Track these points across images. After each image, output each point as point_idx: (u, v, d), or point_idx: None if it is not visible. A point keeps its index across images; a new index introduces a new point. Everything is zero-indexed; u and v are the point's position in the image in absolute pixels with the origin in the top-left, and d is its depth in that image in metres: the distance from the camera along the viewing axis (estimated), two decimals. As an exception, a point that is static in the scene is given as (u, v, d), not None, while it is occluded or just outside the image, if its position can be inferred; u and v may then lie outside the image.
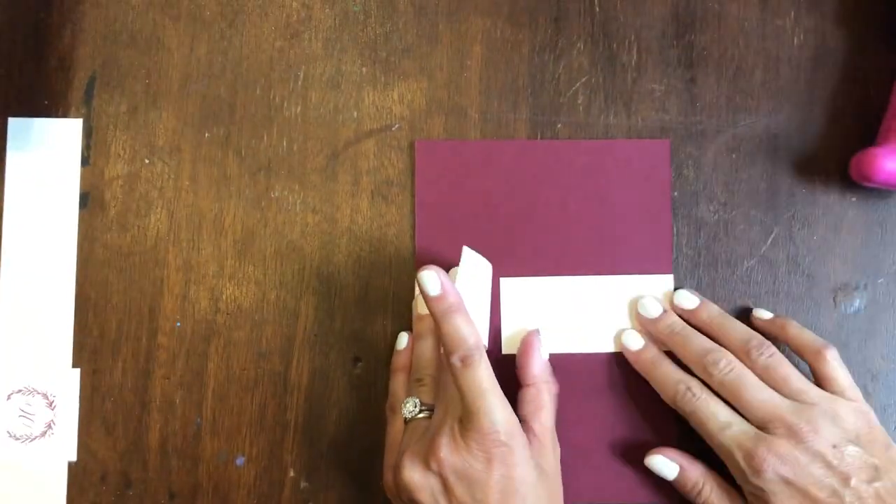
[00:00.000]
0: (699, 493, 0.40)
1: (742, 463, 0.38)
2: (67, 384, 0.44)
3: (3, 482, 0.44)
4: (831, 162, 0.45)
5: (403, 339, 0.43)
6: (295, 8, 0.46)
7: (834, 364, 0.40)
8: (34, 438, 0.44)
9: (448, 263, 0.43)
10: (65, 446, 0.44)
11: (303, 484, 0.44)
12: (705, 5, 0.46)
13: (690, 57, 0.45)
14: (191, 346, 0.44)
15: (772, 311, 0.43)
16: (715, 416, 0.39)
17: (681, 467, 0.41)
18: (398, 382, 0.42)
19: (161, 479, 0.44)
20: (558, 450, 0.40)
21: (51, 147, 0.45)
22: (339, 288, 0.44)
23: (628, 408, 0.43)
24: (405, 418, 0.40)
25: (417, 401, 0.40)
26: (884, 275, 0.44)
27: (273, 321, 0.44)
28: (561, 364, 0.43)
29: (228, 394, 0.44)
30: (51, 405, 0.44)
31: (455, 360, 0.37)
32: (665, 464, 0.41)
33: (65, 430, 0.44)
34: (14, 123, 0.45)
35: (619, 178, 0.44)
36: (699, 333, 0.42)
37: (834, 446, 0.38)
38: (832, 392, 0.40)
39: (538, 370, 0.41)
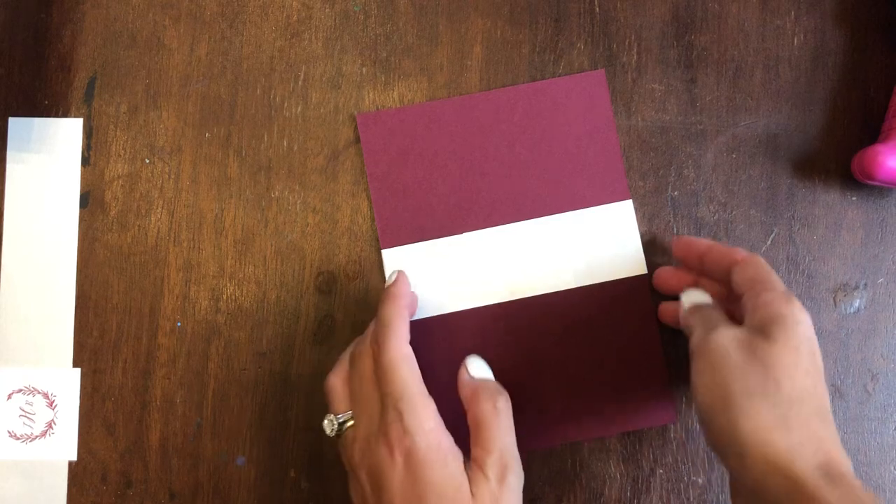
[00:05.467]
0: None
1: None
2: (68, 384, 0.44)
3: (3, 482, 0.44)
4: (831, 162, 0.45)
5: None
6: (295, 8, 0.46)
7: (752, 262, 0.37)
8: (34, 438, 0.44)
9: (408, 234, 0.44)
10: (65, 446, 0.44)
11: (303, 484, 0.44)
12: (705, 5, 0.46)
13: (690, 57, 0.45)
14: (191, 346, 0.44)
15: None
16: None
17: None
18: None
19: (161, 479, 0.44)
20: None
21: (51, 147, 0.45)
22: (339, 288, 0.44)
23: (608, 338, 0.43)
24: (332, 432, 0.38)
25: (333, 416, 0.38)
26: (884, 275, 0.44)
27: (273, 321, 0.44)
28: (536, 306, 0.43)
29: (228, 394, 0.44)
30: (51, 405, 0.44)
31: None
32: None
33: (65, 430, 0.44)
34: (14, 123, 0.45)
35: (561, 116, 0.45)
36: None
37: None
38: (764, 296, 0.36)
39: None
